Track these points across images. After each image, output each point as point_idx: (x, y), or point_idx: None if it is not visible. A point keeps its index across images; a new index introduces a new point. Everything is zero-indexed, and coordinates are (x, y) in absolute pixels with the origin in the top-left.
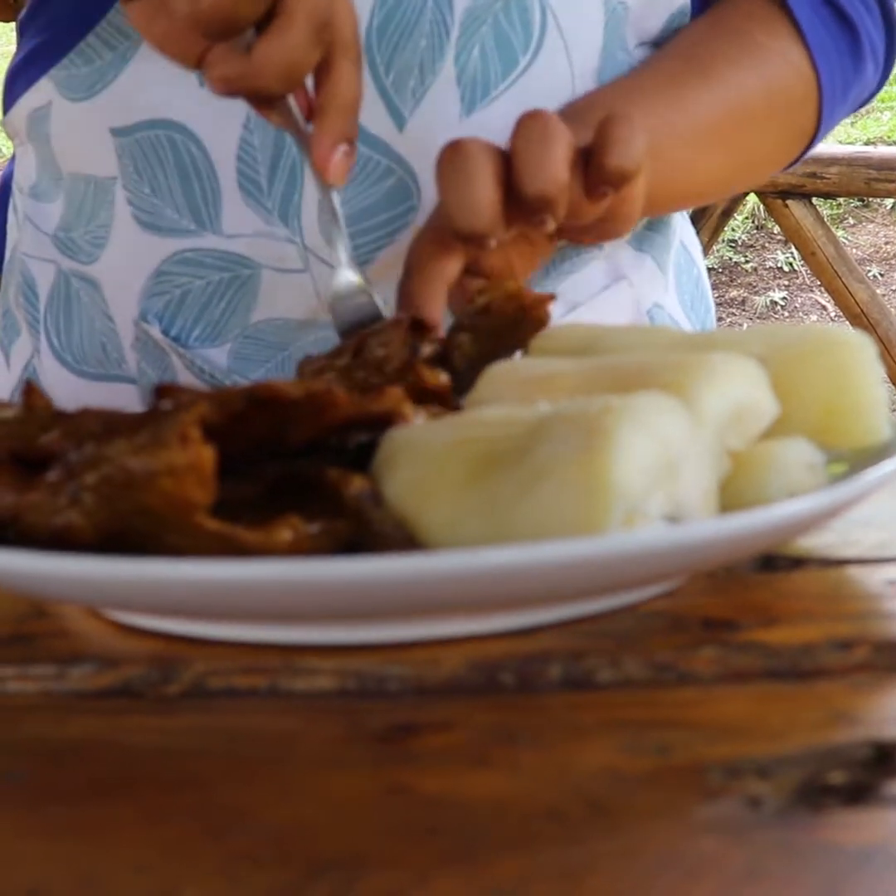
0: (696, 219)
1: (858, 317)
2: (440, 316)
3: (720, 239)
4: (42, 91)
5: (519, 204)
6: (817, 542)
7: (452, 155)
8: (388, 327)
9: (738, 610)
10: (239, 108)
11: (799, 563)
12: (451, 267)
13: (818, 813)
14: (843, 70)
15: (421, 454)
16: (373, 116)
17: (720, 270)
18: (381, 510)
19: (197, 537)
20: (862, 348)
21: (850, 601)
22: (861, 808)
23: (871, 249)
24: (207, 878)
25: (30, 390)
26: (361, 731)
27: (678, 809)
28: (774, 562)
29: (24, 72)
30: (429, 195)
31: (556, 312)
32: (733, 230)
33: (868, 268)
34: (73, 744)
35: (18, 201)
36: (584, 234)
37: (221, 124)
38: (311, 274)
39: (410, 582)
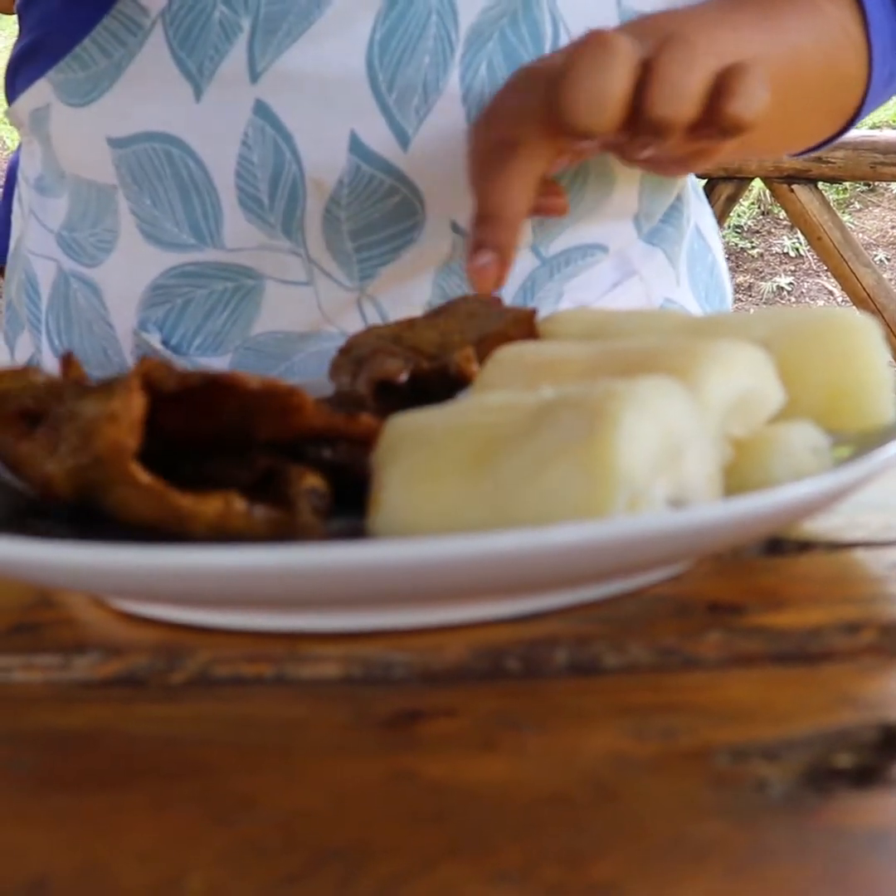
0: None
1: (865, 301)
2: (524, 216)
3: (726, 225)
4: (41, 92)
5: (637, 116)
6: (824, 526)
7: (598, 45)
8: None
9: (745, 594)
10: (236, 124)
11: (805, 546)
12: (545, 162)
13: (825, 796)
14: (894, 55)
15: (424, 440)
16: (375, 134)
17: (726, 256)
18: (315, 515)
19: (137, 489)
20: (868, 330)
21: (856, 584)
22: (868, 791)
23: (878, 234)
24: (213, 866)
25: (68, 361)
26: (367, 718)
27: (685, 794)
28: (781, 545)
29: (25, 67)
30: (433, 213)
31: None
32: (739, 216)
33: (874, 252)
34: (79, 733)
35: (24, 192)
36: (654, 165)
37: (219, 140)
38: (315, 287)
39: (415, 567)
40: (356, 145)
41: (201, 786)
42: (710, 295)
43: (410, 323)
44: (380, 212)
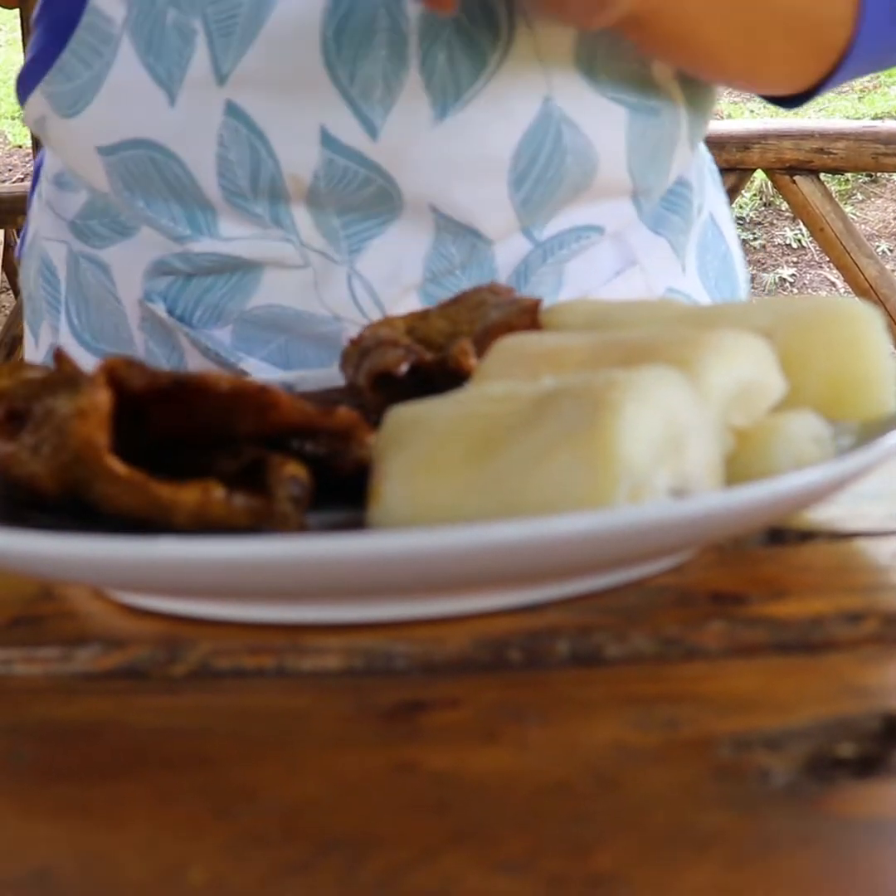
0: None
1: (867, 292)
2: None
3: None
4: (38, 103)
5: None
6: (825, 516)
7: None
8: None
9: (747, 584)
10: (211, 126)
11: (807, 536)
12: None
13: (828, 785)
14: (890, 13)
15: (426, 431)
16: (344, 127)
17: None
18: (294, 503)
19: (117, 483)
20: (869, 320)
21: (858, 574)
22: (870, 780)
23: (880, 225)
24: (215, 857)
25: (59, 356)
26: (369, 709)
27: (687, 783)
28: (782, 535)
29: (26, 78)
30: (410, 199)
31: (565, 299)
32: (741, 207)
33: (877, 243)
34: (80, 725)
35: (43, 188)
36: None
37: (197, 143)
38: (313, 268)
39: (417, 558)
40: (327, 139)
41: (203, 777)
42: (720, 284)
43: (424, 314)
44: (359, 200)
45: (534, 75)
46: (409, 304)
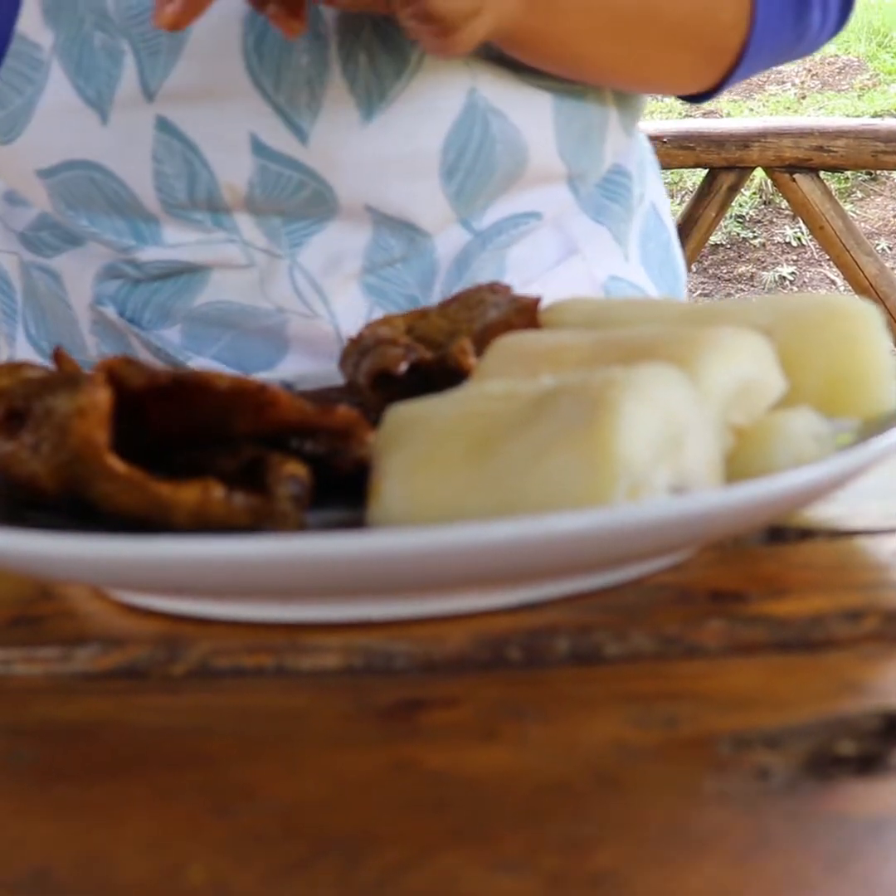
0: (703, 194)
1: (867, 290)
2: None
3: (728, 214)
4: None
5: None
6: (825, 514)
7: None
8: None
9: (746, 582)
10: (144, 142)
11: (807, 534)
12: None
13: (827, 783)
14: (783, 9)
15: (425, 429)
16: (274, 134)
17: (728, 246)
18: (293, 502)
19: (116, 482)
20: (869, 318)
21: (858, 572)
22: (870, 778)
23: (880, 223)
24: (215, 855)
25: (59, 356)
26: (368, 708)
27: (687, 781)
28: (782, 534)
29: None
30: (345, 200)
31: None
32: (741, 205)
33: (876, 241)
34: (79, 724)
35: None
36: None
37: (132, 160)
38: (257, 266)
39: (416, 557)
40: (258, 147)
41: (202, 776)
42: (663, 271)
43: (423, 312)
44: (295, 203)
45: (456, 68)
46: (350, 294)
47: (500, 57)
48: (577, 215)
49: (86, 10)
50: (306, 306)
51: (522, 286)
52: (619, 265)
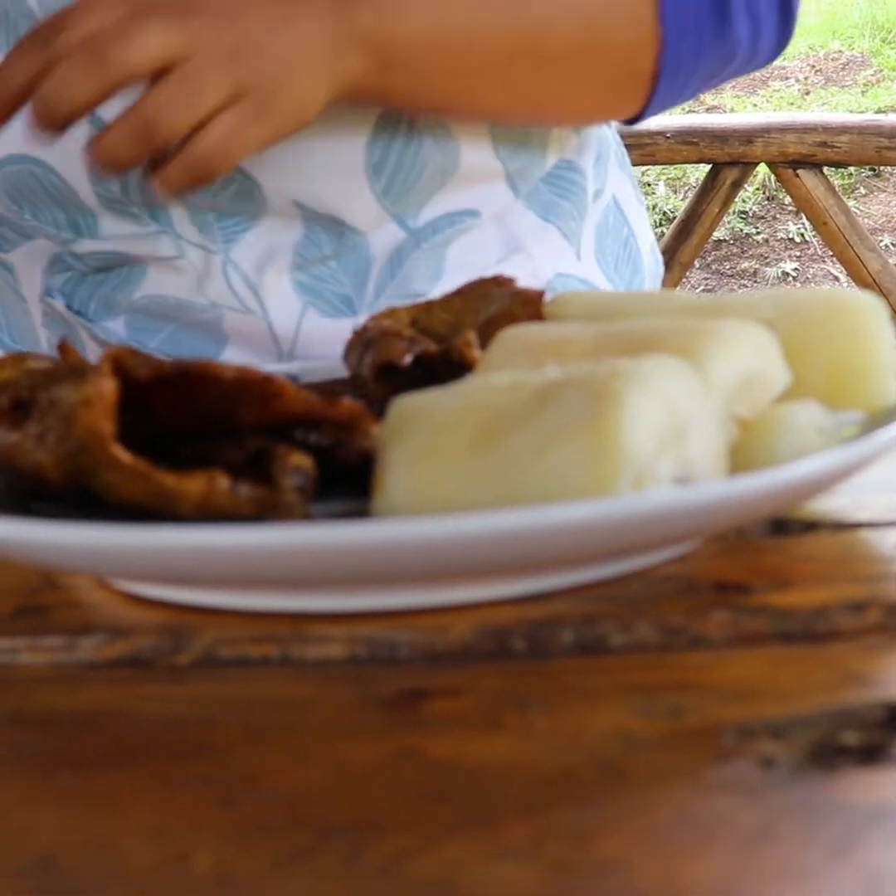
0: (706, 190)
1: (871, 286)
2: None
3: (731, 210)
4: None
5: None
6: (829, 506)
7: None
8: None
9: (751, 573)
10: (79, 138)
11: (811, 526)
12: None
13: (831, 773)
14: (698, 24)
15: (429, 421)
16: None
17: (731, 242)
18: (299, 493)
19: (121, 472)
20: (873, 311)
21: (862, 564)
22: (874, 767)
23: (883, 219)
24: (219, 844)
25: (63, 348)
26: (372, 698)
27: (691, 771)
28: (786, 526)
29: None
30: (272, 195)
31: (447, 287)
32: (744, 201)
33: (880, 237)
34: (85, 714)
35: None
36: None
37: (68, 153)
38: (189, 260)
39: (420, 547)
40: None
41: (207, 766)
42: (620, 268)
43: (428, 305)
44: (225, 198)
45: None
46: (282, 292)
47: None
48: (523, 213)
49: (17, 14)
50: (240, 302)
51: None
52: (569, 263)
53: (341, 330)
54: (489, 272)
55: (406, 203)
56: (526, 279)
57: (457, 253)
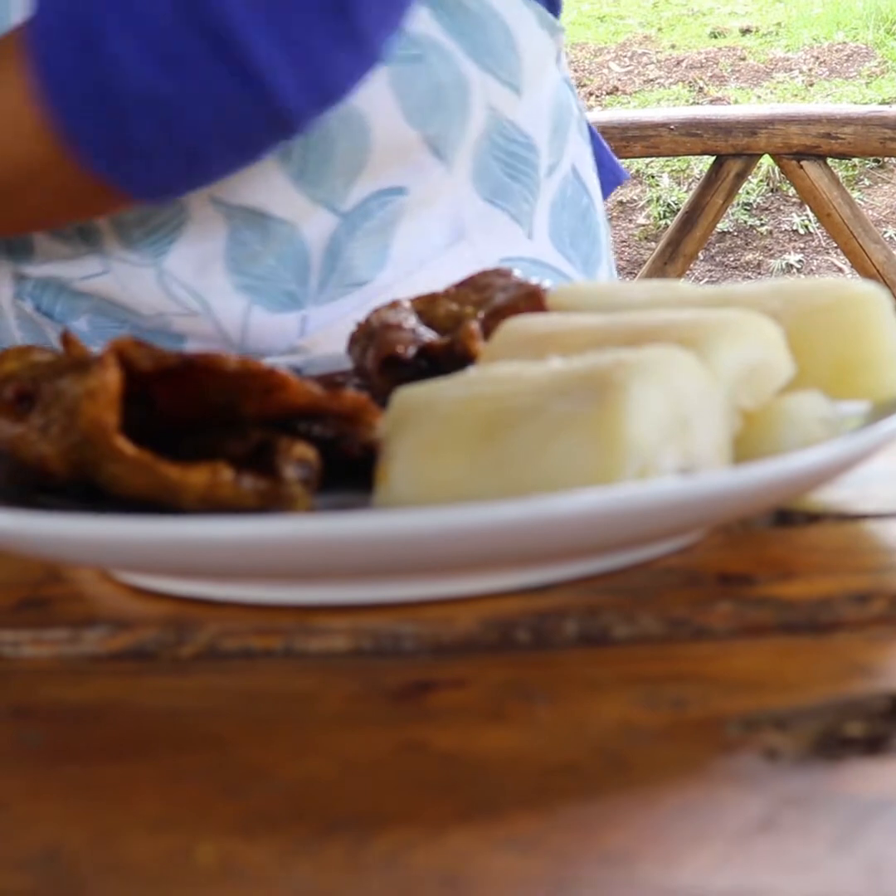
0: (710, 181)
1: (875, 278)
2: None
3: (735, 202)
4: None
5: None
6: (833, 497)
7: None
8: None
9: (755, 565)
10: None
11: (815, 518)
12: None
13: (836, 764)
14: (83, 109)
15: (433, 413)
16: None
17: (735, 233)
18: (303, 485)
19: (125, 464)
20: (877, 302)
21: (867, 555)
22: (878, 759)
23: (887, 210)
24: (224, 836)
25: (67, 340)
26: (376, 690)
27: (695, 762)
28: (790, 517)
29: None
30: (190, 196)
31: (392, 276)
32: (748, 193)
33: (884, 229)
34: (89, 706)
35: None
36: None
37: None
38: (114, 273)
39: (424, 538)
40: None
41: (211, 757)
42: (576, 241)
43: (432, 297)
44: (146, 208)
45: None
46: (225, 295)
47: None
48: (469, 199)
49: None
50: (183, 307)
51: (406, 275)
52: (517, 245)
53: (289, 322)
54: (435, 260)
55: (329, 186)
56: (470, 266)
57: (400, 240)
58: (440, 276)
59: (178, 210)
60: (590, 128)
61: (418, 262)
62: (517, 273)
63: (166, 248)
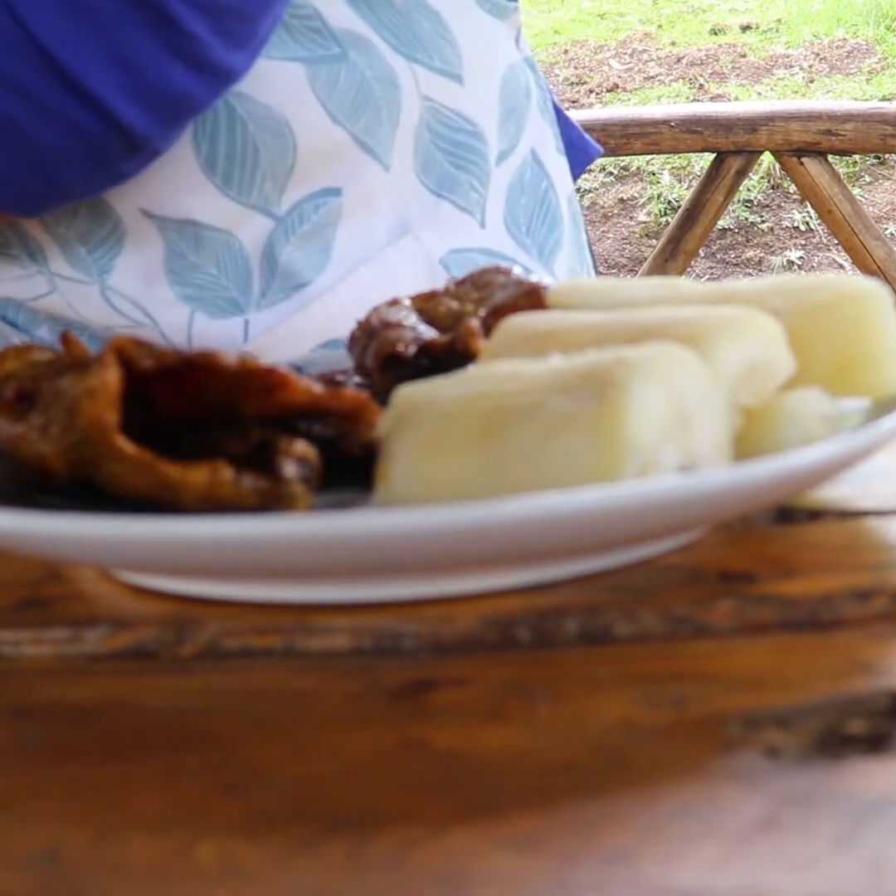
0: (710, 178)
1: (876, 274)
2: None
3: (735, 198)
4: None
5: None
6: (834, 495)
7: None
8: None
9: (756, 562)
10: None
11: (816, 515)
12: None
13: (837, 762)
14: None
15: (433, 411)
16: None
17: (736, 230)
18: (303, 484)
19: (125, 463)
20: (878, 299)
21: (868, 552)
22: (880, 757)
23: (888, 207)
24: (224, 835)
25: (67, 339)
26: (377, 688)
27: (696, 761)
28: (791, 514)
29: None
30: (120, 206)
31: (334, 276)
32: (749, 190)
33: (885, 225)
34: (89, 705)
35: None
36: None
37: None
38: (60, 293)
39: (425, 536)
40: None
41: (212, 756)
42: (534, 227)
43: (432, 295)
44: (85, 222)
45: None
46: (171, 306)
47: None
48: (413, 193)
49: None
50: (129, 319)
51: (349, 273)
52: (470, 235)
53: (233, 328)
54: (378, 257)
55: (259, 192)
56: (416, 260)
57: (342, 240)
58: (385, 272)
59: (115, 225)
60: (556, 107)
61: (361, 260)
62: (517, 270)
63: (110, 265)
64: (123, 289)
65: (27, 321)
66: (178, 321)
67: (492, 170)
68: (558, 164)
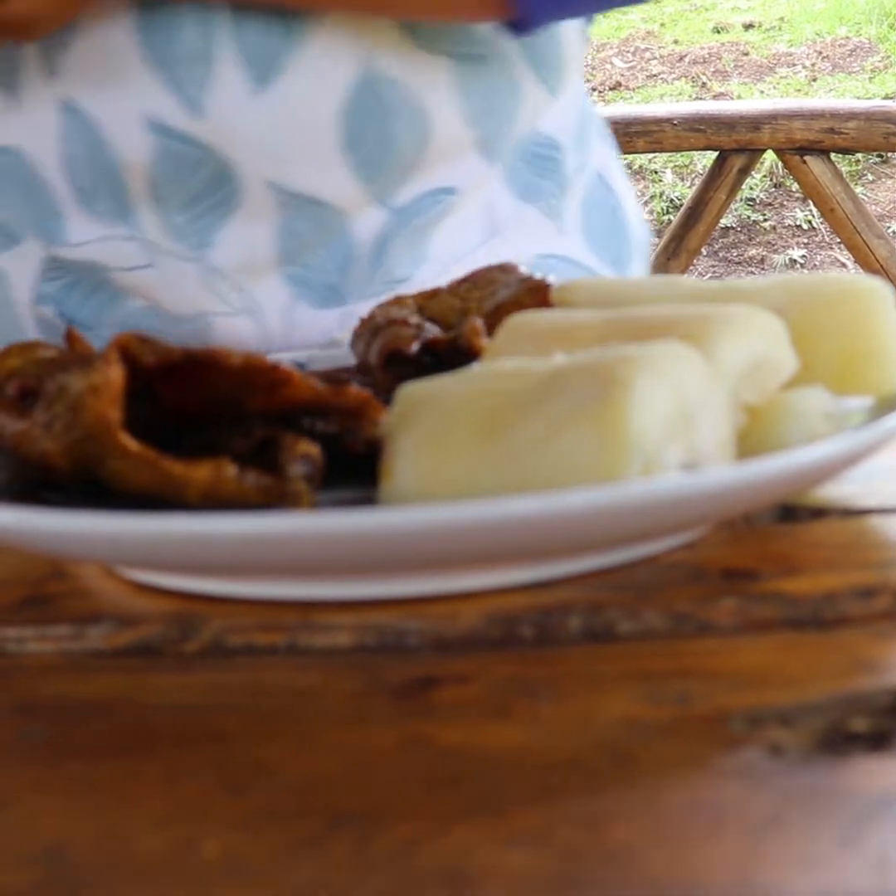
0: (713, 177)
1: (878, 273)
2: None
3: (738, 197)
4: None
5: None
6: (838, 493)
7: None
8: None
9: (759, 560)
10: (50, 121)
11: (820, 513)
12: None
13: (840, 760)
14: None
15: (437, 408)
16: (169, 110)
17: (739, 229)
18: (306, 482)
19: (129, 460)
20: (881, 296)
21: (871, 550)
22: (883, 754)
23: (891, 205)
24: (228, 832)
25: (71, 336)
26: (380, 686)
27: (700, 758)
28: (795, 512)
29: None
30: (246, 177)
31: (429, 273)
32: (751, 188)
33: (887, 224)
34: (93, 702)
35: None
36: None
37: (40, 139)
38: (157, 268)
39: (428, 534)
40: (154, 125)
41: (216, 753)
42: (609, 238)
43: (434, 292)
44: (198, 185)
45: (349, 37)
46: (272, 286)
47: (394, 24)
48: (503, 196)
49: None
50: (227, 304)
51: (443, 271)
52: (551, 241)
53: (330, 319)
54: (470, 257)
55: (385, 180)
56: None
57: (440, 240)
58: None
59: (231, 192)
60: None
61: (454, 259)
62: (521, 268)
63: (211, 239)
64: (224, 265)
65: (91, 318)
66: (279, 310)
67: (571, 176)
68: (625, 188)
